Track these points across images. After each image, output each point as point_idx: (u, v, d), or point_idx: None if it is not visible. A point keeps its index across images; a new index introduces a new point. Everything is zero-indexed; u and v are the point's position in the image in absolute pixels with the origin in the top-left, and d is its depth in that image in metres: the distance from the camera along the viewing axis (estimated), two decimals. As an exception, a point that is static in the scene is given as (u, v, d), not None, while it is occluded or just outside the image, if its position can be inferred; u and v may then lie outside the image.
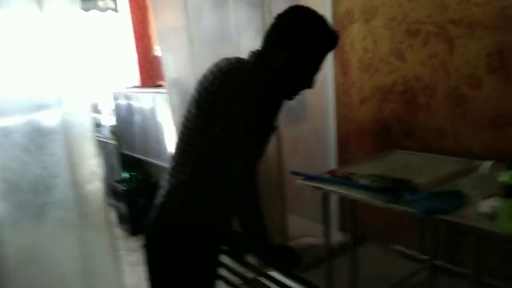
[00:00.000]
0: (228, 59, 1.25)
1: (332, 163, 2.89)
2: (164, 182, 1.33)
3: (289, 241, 2.82)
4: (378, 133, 2.63)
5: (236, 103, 1.14)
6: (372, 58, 2.55)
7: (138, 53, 4.42)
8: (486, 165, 1.52)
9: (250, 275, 1.48)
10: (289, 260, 1.28)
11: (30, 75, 1.69)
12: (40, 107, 1.76)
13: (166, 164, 2.80)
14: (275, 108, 1.32)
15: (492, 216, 1.36)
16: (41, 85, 1.74)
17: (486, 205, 1.40)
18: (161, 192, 1.32)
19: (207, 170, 1.25)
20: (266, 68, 1.23)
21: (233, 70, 1.19)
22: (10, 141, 1.69)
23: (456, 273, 2.22)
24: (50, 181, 1.73)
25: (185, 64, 2.13)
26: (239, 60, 1.24)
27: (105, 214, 1.96)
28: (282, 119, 2.72)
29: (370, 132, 2.68)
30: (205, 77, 1.25)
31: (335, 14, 2.71)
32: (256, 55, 1.26)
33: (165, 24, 2.16)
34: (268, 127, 1.29)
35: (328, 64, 2.82)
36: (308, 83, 1.29)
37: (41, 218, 1.77)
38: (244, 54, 2.35)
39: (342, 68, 2.76)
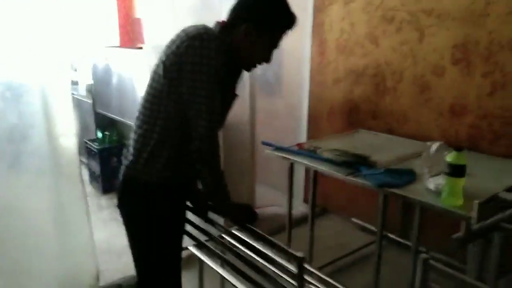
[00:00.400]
0: (195, 26, 1.30)
1: (302, 138, 3.02)
2: (131, 141, 1.38)
3: (255, 208, 2.96)
4: (347, 112, 2.76)
5: (201, 66, 1.21)
6: (348, 40, 2.65)
7: (119, 13, 4.36)
8: (435, 145, 1.67)
9: (214, 232, 1.59)
10: (247, 216, 1.42)
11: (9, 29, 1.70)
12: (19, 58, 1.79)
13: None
14: (236, 77, 1.42)
15: (436, 192, 1.51)
16: (21, 40, 1.76)
17: (433, 182, 1.56)
18: (130, 151, 1.38)
19: (174, 129, 1.31)
20: (229, 38, 1.30)
21: (199, 35, 1.23)
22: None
23: (407, 246, 2.43)
24: (26, 131, 1.78)
25: (167, 30, 2.16)
26: (205, 27, 1.29)
27: (78, 167, 2.02)
28: (258, 92, 2.81)
29: (340, 111, 2.81)
30: (172, 41, 1.30)
31: (317, -7, 2.78)
32: (221, 25, 1.33)
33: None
34: (229, 94, 1.39)
35: (306, 43, 2.90)
36: (265, 58, 1.36)
37: (16, 166, 1.82)
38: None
39: (320, 47, 2.85)
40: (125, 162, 1.40)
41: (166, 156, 1.33)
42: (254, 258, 1.46)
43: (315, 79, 2.93)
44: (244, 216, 1.42)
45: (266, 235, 1.32)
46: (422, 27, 2.23)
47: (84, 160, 3.82)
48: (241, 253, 1.40)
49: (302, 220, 2.71)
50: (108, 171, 3.56)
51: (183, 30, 1.30)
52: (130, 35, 4.38)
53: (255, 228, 1.37)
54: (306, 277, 1.50)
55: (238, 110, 2.72)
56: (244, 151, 2.73)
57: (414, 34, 2.27)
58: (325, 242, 2.63)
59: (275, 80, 3.00)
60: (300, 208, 3.02)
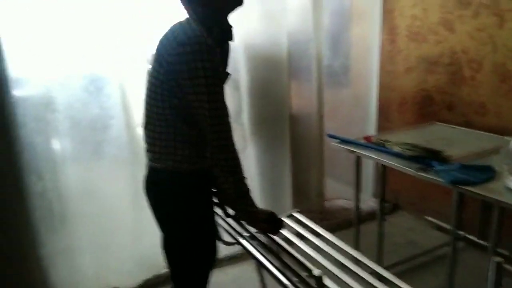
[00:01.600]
0: (181, 25, 1.25)
1: (371, 130, 2.93)
2: (149, 136, 1.38)
3: (324, 201, 2.95)
4: (420, 104, 2.63)
5: (197, 75, 1.17)
6: (420, 27, 2.51)
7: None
8: (517, 141, 1.54)
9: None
10: (270, 224, 1.34)
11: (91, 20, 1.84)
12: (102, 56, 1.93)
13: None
14: (225, 54, 1.37)
15: (517, 192, 1.40)
16: (103, 37, 1.90)
17: (513, 181, 1.45)
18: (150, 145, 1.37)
19: (187, 127, 1.28)
20: (199, 14, 1.24)
21: (186, 38, 1.19)
22: (75, 82, 1.89)
23: (486, 249, 2.27)
24: (106, 121, 1.93)
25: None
26: (183, 25, 1.24)
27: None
28: (325, 83, 2.78)
29: (412, 102, 2.68)
30: (162, 44, 1.27)
31: (387, -21, 2.66)
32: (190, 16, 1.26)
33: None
34: (224, 75, 1.35)
35: (375, 30, 2.80)
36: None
37: (98, 154, 1.99)
38: (292, 14, 2.37)
39: (390, 35, 2.74)
40: (149, 156, 1.39)
41: (189, 149, 1.30)
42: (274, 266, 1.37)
43: (385, 68, 2.82)
44: (268, 224, 1.34)
45: (286, 247, 1.29)
46: (502, 11, 2.05)
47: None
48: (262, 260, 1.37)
49: (371, 215, 2.61)
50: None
51: (172, 32, 1.25)
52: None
53: (275, 238, 1.35)
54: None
55: (305, 103, 2.73)
56: (312, 143, 2.72)
57: (493, 19, 2.09)
58: (395, 240, 2.55)
59: (342, 71, 2.94)
60: (370, 203, 2.94)
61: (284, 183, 2.56)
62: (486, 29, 2.15)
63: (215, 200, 1.45)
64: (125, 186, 2.06)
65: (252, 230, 1.45)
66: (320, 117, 2.68)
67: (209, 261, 1.47)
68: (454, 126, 2.30)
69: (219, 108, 1.23)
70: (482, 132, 2.15)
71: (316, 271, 1.10)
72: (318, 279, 1.09)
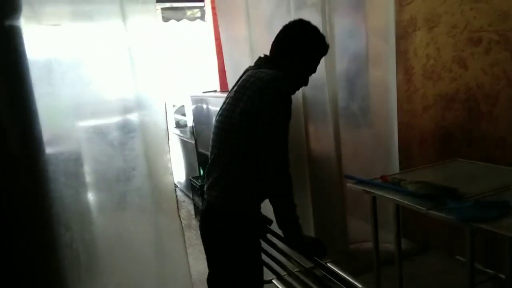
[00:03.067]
0: (266, 73, 1.43)
1: (394, 169, 2.90)
2: (212, 176, 1.53)
3: (350, 244, 2.90)
4: (440, 141, 2.60)
5: (280, 119, 1.38)
6: (434, 66, 2.54)
7: (218, 59, 4.76)
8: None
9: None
10: (316, 249, 1.47)
11: (115, 83, 2.03)
12: (124, 110, 2.11)
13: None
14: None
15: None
16: (126, 92, 2.08)
17: (528, 216, 1.40)
18: (213, 186, 1.53)
19: (252, 166, 1.44)
20: (286, 70, 1.48)
21: (271, 82, 1.38)
22: (100, 138, 2.05)
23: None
24: (129, 172, 2.06)
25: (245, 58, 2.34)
26: (277, 76, 1.42)
27: (175, 204, 2.24)
28: (344, 125, 2.83)
29: (433, 140, 2.66)
30: (245, 88, 1.44)
31: (398, 21, 2.74)
32: (269, 61, 1.54)
33: (228, 35, 2.39)
34: None
35: (392, 71, 2.85)
36: (306, 81, 1.62)
37: (122, 203, 2.10)
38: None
39: (406, 75, 2.78)
40: (211, 194, 1.55)
41: (248, 190, 1.48)
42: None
43: (403, 107, 2.84)
44: (314, 249, 1.46)
45: (332, 267, 1.32)
46: (514, 46, 2.06)
47: (190, 195, 4.16)
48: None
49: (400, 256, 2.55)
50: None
51: (257, 78, 1.42)
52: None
53: (331, 265, 1.39)
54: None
55: (323, 145, 2.77)
56: (332, 185, 2.73)
57: (505, 54, 2.10)
58: (424, 282, 2.45)
59: (361, 112, 2.98)
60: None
61: (306, 227, 2.55)
62: (499, 64, 2.16)
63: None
64: (149, 234, 2.15)
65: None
66: (338, 158, 2.70)
67: None
68: (476, 162, 2.25)
69: (287, 149, 1.48)
70: (503, 167, 2.09)
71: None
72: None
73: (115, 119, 2.06)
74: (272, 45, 1.59)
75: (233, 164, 1.45)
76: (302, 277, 1.66)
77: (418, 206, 1.71)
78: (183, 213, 3.34)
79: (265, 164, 1.39)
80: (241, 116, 1.41)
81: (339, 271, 1.41)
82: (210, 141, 1.58)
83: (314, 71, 1.61)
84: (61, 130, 1.98)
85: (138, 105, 2.11)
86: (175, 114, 5.08)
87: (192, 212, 4.22)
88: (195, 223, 4.00)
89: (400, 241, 2.13)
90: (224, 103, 1.57)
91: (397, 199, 1.84)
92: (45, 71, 1.90)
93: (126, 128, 2.08)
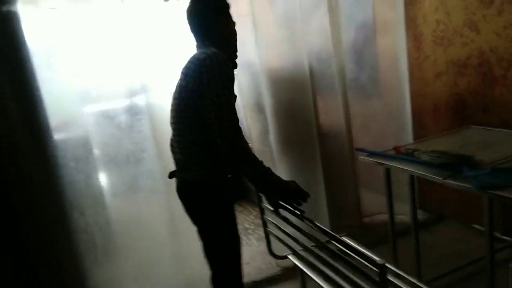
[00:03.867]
0: (203, 52, 1.48)
1: (408, 139, 2.85)
2: (174, 149, 1.60)
3: (364, 217, 2.88)
4: (454, 108, 2.54)
5: (221, 89, 1.40)
6: (445, 31, 2.45)
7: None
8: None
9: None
10: (295, 195, 1.48)
11: (119, 66, 1.99)
12: (130, 93, 2.08)
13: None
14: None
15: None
16: (130, 74, 2.05)
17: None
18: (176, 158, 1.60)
19: (204, 136, 1.48)
20: (216, 45, 1.52)
21: (211, 64, 1.42)
22: (108, 122, 2.03)
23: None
24: (139, 155, 2.05)
25: (251, 48, 2.29)
26: (206, 52, 1.47)
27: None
28: (353, 96, 2.77)
29: (446, 108, 2.60)
30: (189, 68, 1.50)
31: (406, -14, 2.64)
32: (201, 42, 1.58)
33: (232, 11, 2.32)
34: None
35: (401, 39, 2.77)
36: (234, 47, 1.66)
37: (134, 186, 2.10)
38: (311, 36, 2.42)
39: (415, 42, 2.69)
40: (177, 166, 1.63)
41: (205, 157, 1.52)
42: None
43: (414, 75, 2.77)
44: (298, 193, 1.48)
45: (347, 240, 1.30)
46: (529, 4, 1.97)
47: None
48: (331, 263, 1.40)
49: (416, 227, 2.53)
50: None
51: (197, 59, 1.48)
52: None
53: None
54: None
55: (333, 119, 2.72)
56: (343, 159, 2.70)
57: (520, 14, 2.01)
58: (441, 251, 2.44)
59: (370, 83, 2.91)
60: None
61: (319, 203, 2.55)
62: (512, 26, 2.07)
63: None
64: (162, 216, 2.15)
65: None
66: (349, 131, 2.66)
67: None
68: (491, 128, 2.20)
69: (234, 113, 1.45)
70: (521, 132, 2.04)
71: (379, 260, 1.10)
72: (381, 267, 1.09)
73: (121, 102, 2.04)
74: (192, 30, 1.62)
75: (188, 138, 1.52)
76: (317, 251, 1.66)
77: (434, 176, 1.67)
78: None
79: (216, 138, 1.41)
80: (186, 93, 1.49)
81: (354, 244, 1.39)
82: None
83: (232, 32, 1.65)
84: (68, 115, 1.97)
85: (143, 88, 2.08)
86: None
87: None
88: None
89: (416, 212, 2.10)
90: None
91: (412, 170, 1.80)
92: (46, 56, 1.87)
93: (132, 111, 2.06)
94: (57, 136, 1.90)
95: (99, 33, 2.00)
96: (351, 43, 2.82)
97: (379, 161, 1.98)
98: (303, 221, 1.47)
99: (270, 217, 1.73)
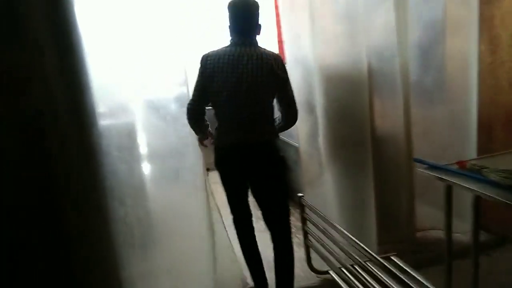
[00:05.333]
0: (273, 53, 1.96)
1: (472, 154, 2.59)
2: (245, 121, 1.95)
3: (416, 231, 2.67)
4: (531, 121, 2.26)
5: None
6: (528, 34, 2.18)
7: (277, 29, 4.53)
8: None
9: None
10: None
11: (169, 53, 1.94)
12: (179, 83, 2.02)
13: (291, 141, 2.89)
14: None
15: None
16: (180, 63, 1.99)
17: None
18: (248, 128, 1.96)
19: (270, 111, 2.00)
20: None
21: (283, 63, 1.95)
22: (154, 112, 1.99)
23: None
24: (182, 149, 1.99)
25: (305, 43, 2.15)
26: (274, 53, 1.96)
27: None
28: (415, 100, 2.55)
29: (521, 120, 2.32)
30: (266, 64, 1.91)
31: (485, -16, 2.37)
32: (250, 39, 1.96)
33: (287, 2, 2.19)
34: None
35: (473, 40, 2.50)
36: None
37: (175, 180, 2.05)
38: (373, 32, 2.24)
39: (490, 45, 2.42)
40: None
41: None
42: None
43: (486, 82, 2.50)
44: None
45: (405, 267, 1.15)
46: None
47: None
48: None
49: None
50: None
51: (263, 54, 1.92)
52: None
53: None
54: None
55: (391, 123, 2.53)
56: (399, 168, 2.50)
57: None
58: (501, 279, 2.19)
59: (435, 87, 2.66)
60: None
61: (367, 212, 2.37)
62: None
63: None
64: (199, 212, 2.10)
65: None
66: (408, 138, 2.45)
67: None
68: None
69: None
70: None
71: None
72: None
73: (169, 92, 1.99)
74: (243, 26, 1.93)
75: (262, 113, 1.99)
76: (360, 270, 1.52)
77: (502, 199, 1.46)
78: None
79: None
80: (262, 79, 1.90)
81: (403, 265, 1.24)
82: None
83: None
84: (115, 102, 1.94)
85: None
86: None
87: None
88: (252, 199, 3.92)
89: (478, 234, 1.89)
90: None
91: (479, 190, 1.59)
92: (97, 42, 1.85)
93: (179, 102, 2.00)
94: (102, 123, 1.87)
95: (153, 19, 1.95)
96: (417, 42, 2.59)
97: (441, 176, 1.78)
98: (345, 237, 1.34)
99: (312, 229, 1.61)
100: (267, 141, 1.98)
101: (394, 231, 2.50)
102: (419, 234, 2.68)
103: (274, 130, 2.03)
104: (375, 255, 1.26)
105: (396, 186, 2.48)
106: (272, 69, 1.88)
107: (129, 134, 1.95)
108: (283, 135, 3.42)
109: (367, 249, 1.24)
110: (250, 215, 2.16)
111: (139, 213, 2.00)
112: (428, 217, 2.70)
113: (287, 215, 2.03)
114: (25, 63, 1.67)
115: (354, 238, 1.32)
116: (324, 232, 1.55)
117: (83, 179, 1.83)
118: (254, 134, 1.95)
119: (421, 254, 2.42)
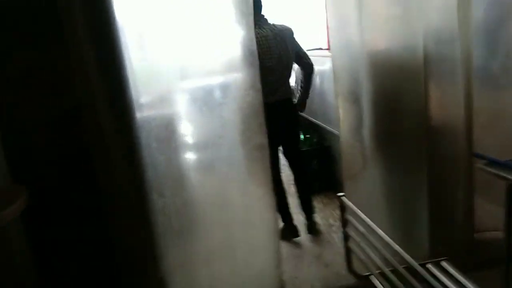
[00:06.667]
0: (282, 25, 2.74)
1: (543, 150, 2.29)
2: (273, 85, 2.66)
3: (474, 232, 2.43)
4: None
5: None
6: None
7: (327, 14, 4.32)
8: None
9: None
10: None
11: (205, 41, 1.88)
12: (214, 72, 1.97)
13: (337, 131, 2.74)
14: None
15: None
16: (217, 53, 1.93)
17: None
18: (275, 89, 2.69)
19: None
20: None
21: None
22: (191, 100, 1.96)
23: None
24: (217, 140, 1.94)
25: (352, 27, 1.99)
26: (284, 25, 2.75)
27: (268, 174, 2.07)
28: (479, 88, 2.29)
29: None
30: (285, 36, 2.70)
31: None
32: (263, 17, 2.67)
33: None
34: None
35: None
36: None
37: (212, 171, 2.02)
38: (431, 13, 2.04)
39: None
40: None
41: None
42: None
43: None
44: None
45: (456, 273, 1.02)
46: None
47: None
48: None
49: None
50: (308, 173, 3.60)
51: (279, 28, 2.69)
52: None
53: None
54: None
55: (449, 112, 2.29)
56: (457, 162, 2.26)
57: None
58: None
59: (503, 72, 2.37)
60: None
61: (418, 210, 2.19)
62: None
63: None
64: (237, 203, 2.05)
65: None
66: (469, 130, 2.21)
67: None
68: None
69: None
70: None
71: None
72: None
73: (203, 82, 1.94)
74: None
75: (287, 78, 2.82)
76: (406, 275, 1.38)
77: None
78: (283, 177, 3.21)
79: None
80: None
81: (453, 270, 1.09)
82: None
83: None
84: (154, 94, 1.93)
85: (230, 67, 1.95)
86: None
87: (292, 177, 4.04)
88: (292, 189, 3.83)
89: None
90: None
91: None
92: (136, 33, 1.83)
93: (214, 92, 1.95)
94: (140, 115, 1.87)
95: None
96: (482, 22, 2.31)
97: (502, 173, 1.58)
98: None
99: (354, 231, 1.49)
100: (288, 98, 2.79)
101: (449, 231, 2.29)
102: (478, 235, 2.43)
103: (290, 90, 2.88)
104: (412, 261, 1.12)
105: (453, 183, 2.26)
106: (289, 41, 2.66)
107: (168, 125, 1.94)
108: (329, 126, 3.34)
109: (405, 255, 1.12)
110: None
111: (177, 203, 1.99)
112: (490, 217, 2.44)
113: (300, 153, 3.05)
114: (63, 56, 1.72)
115: (396, 246, 1.19)
116: (365, 235, 1.43)
117: (123, 173, 1.85)
118: (282, 94, 2.72)
119: (478, 257, 2.20)
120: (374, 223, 1.63)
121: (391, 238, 1.87)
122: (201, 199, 2.05)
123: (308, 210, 2.95)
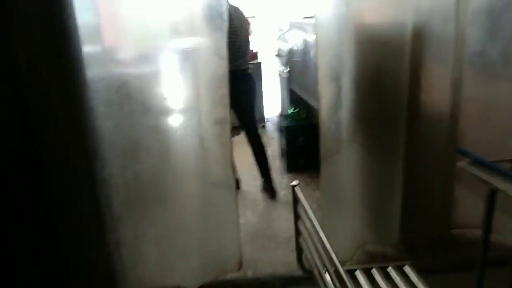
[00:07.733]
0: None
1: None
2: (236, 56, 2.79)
3: (451, 228, 2.29)
4: None
5: None
6: None
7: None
8: None
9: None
10: None
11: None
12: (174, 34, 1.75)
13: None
14: None
15: None
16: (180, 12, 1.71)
17: None
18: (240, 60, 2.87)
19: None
20: None
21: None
22: (147, 62, 1.75)
23: None
24: (172, 109, 1.75)
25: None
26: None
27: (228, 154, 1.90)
28: (474, 74, 2.09)
29: None
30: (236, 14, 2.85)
31: None
32: None
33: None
34: None
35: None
36: None
37: (168, 142, 1.84)
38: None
39: None
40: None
41: None
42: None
43: None
44: None
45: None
46: None
47: (277, 135, 3.82)
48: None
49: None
50: (293, 150, 3.43)
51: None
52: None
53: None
54: None
55: (435, 97, 2.10)
56: (438, 151, 2.10)
57: None
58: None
59: (502, 59, 2.15)
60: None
61: (391, 199, 2.04)
62: None
63: None
64: (194, 182, 1.89)
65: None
66: (454, 119, 2.03)
67: None
68: None
69: None
70: None
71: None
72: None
73: (163, 44, 1.73)
74: None
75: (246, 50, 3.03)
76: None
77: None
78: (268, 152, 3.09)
79: None
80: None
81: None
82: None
83: None
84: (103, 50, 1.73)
85: (194, 29, 1.73)
86: (279, 40, 4.53)
87: (276, 153, 3.89)
88: (277, 165, 3.68)
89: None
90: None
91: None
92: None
93: (176, 56, 1.75)
94: (88, 72, 1.67)
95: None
96: (483, 2, 2.08)
97: (483, 176, 1.40)
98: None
99: (303, 227, 1.33)
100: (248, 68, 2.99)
101: (423, 225, 2.15)
102: (456, 232, 2.29)
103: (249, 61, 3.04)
104: (339, 266, 0.98)
105: (431, 173, 2.10)
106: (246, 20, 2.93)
107: (119, 88, 1.74)
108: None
109: (334, 259, 0.97)
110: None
111: (126, 175, 1.83)
112: (472, 213, 2.29)
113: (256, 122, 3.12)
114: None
115: (329, 247, 1.05)
116: (310, 233, 1.28)
117: (64, 137, 1.68)
118: (242, 64, 2.90)
119: (454, 255, 2.08)
120: (348, 206, 1.46)
121: (364, 223, 1.72)
122: (155, 172, 1.88)
123: (264, 171, 3.15)
